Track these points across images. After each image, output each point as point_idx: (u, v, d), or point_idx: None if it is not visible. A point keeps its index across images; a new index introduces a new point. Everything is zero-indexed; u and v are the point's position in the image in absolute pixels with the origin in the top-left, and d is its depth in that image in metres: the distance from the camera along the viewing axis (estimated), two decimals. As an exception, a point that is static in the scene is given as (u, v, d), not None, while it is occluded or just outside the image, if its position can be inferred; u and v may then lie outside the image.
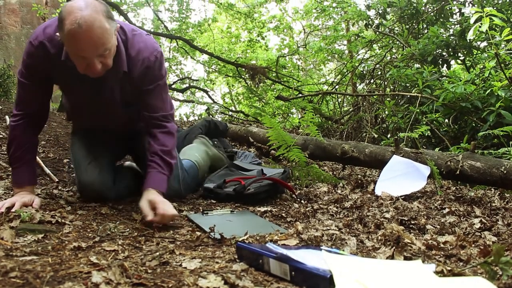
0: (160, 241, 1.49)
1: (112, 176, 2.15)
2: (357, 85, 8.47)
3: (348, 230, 1.71)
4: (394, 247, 1.37)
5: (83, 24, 1.60)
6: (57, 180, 2.38)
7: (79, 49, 1.65)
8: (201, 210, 2.03)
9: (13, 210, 1.70)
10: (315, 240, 1.48)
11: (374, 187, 2.62)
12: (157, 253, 1.32)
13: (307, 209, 2.08)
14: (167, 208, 1.72)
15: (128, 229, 1.63)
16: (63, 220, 1.65)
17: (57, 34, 1.71)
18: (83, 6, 1.63)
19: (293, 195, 2.43)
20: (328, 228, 1.70)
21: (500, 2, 5.98)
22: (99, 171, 2.08)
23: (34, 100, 1.96)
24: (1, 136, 3.09)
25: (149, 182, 1.88)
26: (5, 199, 1.88)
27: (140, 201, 1.79)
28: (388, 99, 5.99)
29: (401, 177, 2.57)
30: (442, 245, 1.49)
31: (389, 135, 5.62)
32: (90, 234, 1.53)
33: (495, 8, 5.34)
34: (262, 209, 2.10)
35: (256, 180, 2.36)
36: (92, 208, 1.92)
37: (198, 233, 1.59)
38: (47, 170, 2.47)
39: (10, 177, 2.25)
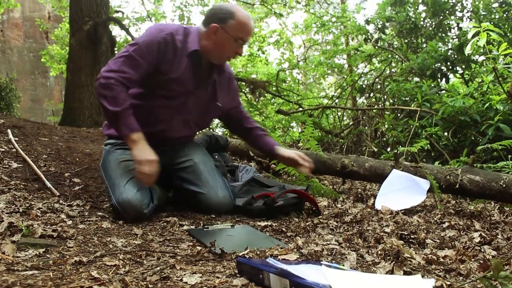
0: (161, 256, 1.49)
1: (149, 194, 2.17)
2: (357, 99, 8.51)
3: (348, 244, 1.72)
4: (394, 262, 1.38)
5: (249, 16, 2.30)
6: (58, 194, 2.39)
7: (248, 32, 2.28)
8: (202, 225, 2.03)
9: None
10: (315, 255, 1.48)
11: (374, 201, 2.62)
12: (158, 268, 1.32)
13: (307, 224, 2.08)
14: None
15: (129, 244, 1.64)
16: (64, 235, 1.66)
17: (214, 25, 2.23)
18: (241, 7, 2.36)
19: (316, 210, 2.42)
20: (328, 242, 1.71)
21: (497, 17, 6.04)
22: (137, 190, 2.10)
23: (134, 72, 2.16)
24: (2, 150, 3.11)
25: (273, 142, 2.56)
26: (7, 213, 1.88)
27: (286, 155, 2.47)
28: (387, 113, 6.02)
29: (401, 191, 2.58)
30: (441, 260, 1.49)
31: (389, 149, 5.63)
32: (91, 249, 1.54)
33: (492, 23, 5.40)
34: (263, 223, 2.11)
35: (283, 193, 2.36)
36: (93, 222, 1.93)
37: (199, 248, 1.60)
38: (49, 184, 2.48)
39: (11, 190, 2.26)
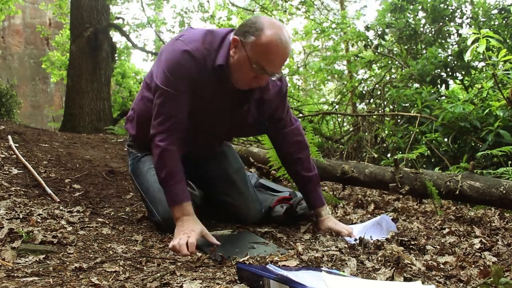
0: (161, 262, 1.49)
1: None
2: (357, 105, 8.53)
3: (348, 251, 1.71)
4: (394, 268, 1.38)
5: (285, 42, 1.76)
6: (58, 200, 2.39)
7: (271, 61, 1.78)
8: (202, 231, 2.03)
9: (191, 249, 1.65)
10: (315, 261, 1.48)
11: (374, 208, 2.62)
12: (158, 274, 1.32)
13: (307, 230, 2.08)
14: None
15: (129, 250, 1.64)
16: (64, 241, 1.66)
17: (235, 37, 1.81)
18: (283, 25, 1.80)
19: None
20: (328, 249, 1.70)
21: (496, 23, 6.07)
22: None
23: (182, 112, 1.89)
24: (3, 156, 3.11)
25: (319, 201, 2.16)
26: (7, 219, 1.89)
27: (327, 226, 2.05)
28: (387, 119, 6.03)
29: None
30: (442, 266, 1.49)
31: (389, 155, 5.64)
32: (91, 255, 1.54)
33: (491, 29, 5.42)
34: (263, 229, 2.11)
35: (300, 201, 2.30)
36: (94, 228, 1.93)
37: (199, 254, 1.60)
38: (49, 190, 2.48)
39: (11, 197, 2.26)
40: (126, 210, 2.38)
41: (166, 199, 1.87)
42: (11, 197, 2.28)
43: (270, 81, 1.96)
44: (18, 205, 2.14)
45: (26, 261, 1.41)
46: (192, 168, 2.19)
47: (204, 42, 1.86)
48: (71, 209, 2.25)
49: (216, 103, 1.99)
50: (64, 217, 2.07)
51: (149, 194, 2.07)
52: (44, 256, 1.47)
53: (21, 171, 2.85)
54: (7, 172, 2.80)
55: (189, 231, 1.73)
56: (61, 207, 2.28)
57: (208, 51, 1.86)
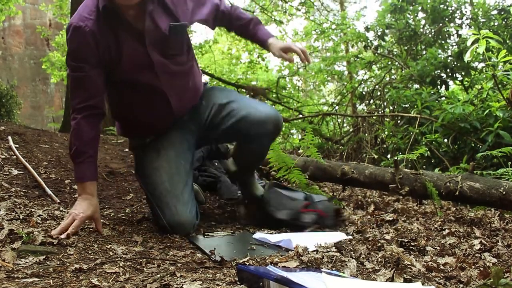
0: (161, 263, 1.49)
1: (196, 209, 2.09)
2: (357, 105, 8.54)
3: (348, 252, 1.71)
4: (394, 269, 1.38)
5: None
6: (58, 201, 2.39)
7: None
8: (202, 232, 2.03)
9: (71, 230, 1.74)
10: (315, 262, 1.48)
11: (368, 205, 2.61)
12: (158, 275, 1.32)
13: (307, 231, 2.08)
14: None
15: (129, 251, 1.64)
16: (64, 242, 1.66)
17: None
18: None
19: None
20: (328, 250, 1.70)
21: (496, 24, 6.07)
22: (189, 210, 2.03)
23: (95, 89, 1.94)
24: (3, 157, 3.11)
25: (266, 34, 2.25)
26: (7, 220, 1.89)
27: (276, 51, 2.18)
28: (387, 120, 6.03)
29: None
30: (442, 267, 1.49)
31: (389, 156, 5.64)
32: (91, 256, 1.54)
33: (491, 30, 5.42)
34: (264, 231, 2.11)
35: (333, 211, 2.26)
36: (93, 229, 1.93)
37: (199, 255, 1.60)
38: (49, 191, 2.48)
39: (11, 198, 2.26)
40: (126, 211, 2.39)
41: (74, 173, 1.98)
42: (11, 198, 2.28)
43: None
44: (18, 206, 2.14)
45: (26, 262, 1.41)
46: (197, 136, 2.22)
47: (81, 8, 1.89)
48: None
49: (137, 56, 1.95)
50: (64, 218, 2.06)
51: (155, 197, 2.07)
52: (44, 257, 1.47)
53: (21, 172, 2.85)
54: (7, 173, 2.80)
55: (78, 212, 1.82)
56: (61, 208, 2.28)
57: (88, 10, 1.87)
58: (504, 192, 2.42)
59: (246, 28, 2.29)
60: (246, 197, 2.48)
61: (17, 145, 3.54)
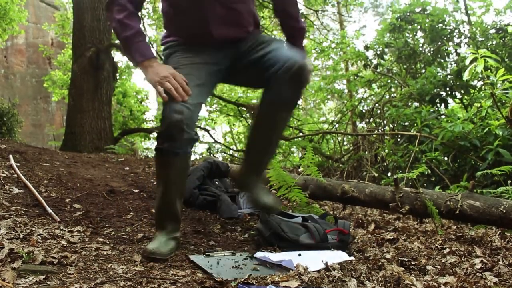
0: (162, 283, 1.49)
1: (196, 118, 1.96)
2: (357, 124, 8.56)
3: (348, 271, 1.71)
4: (394, 289, 1.38)
5: None
6: (59, 220, 2.39)
7: None
8: (203, 251, 2.03)
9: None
10: (316, 282, 1.48)
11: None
12: (159, 295, 1.32)
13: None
14: None
15: (129, 271, 1.63)
16: (64, 261, 1.66)
17: None
18: None
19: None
20: (329, 269, 1.70)
21: (494, 43, 6.14)
22: (189, 107, 1.87)
23: None
24: (4, 175, 3.12)
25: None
26: (8, 239, 1.89)
27: None
28: (387, 138, 6.04)
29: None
30: (442, 286, 1.49)
31: (389, 174, 5.64)
32: (91, 276, 1.54)
33: (489, 49, 5.48)
34: (266, 251, 2.11)
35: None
36: (95, 249, 1.92)
37: (200, 275, 1.59)
38: (49, 210, 2.48)
39: (12, 216, 2.27)
40: (127, 230, 2.38)
41: (133, 57, 1.95)
42: (12, 216, 2.28)
43: None
44: (18, 225, 2.14)
45: (26, 282, 1.41)
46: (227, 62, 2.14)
47: None
48: (71, 229, 2.25)
49: None
50: (64, 237, 2.06)
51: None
52: (44, 276, 1.47)
53: (22, 191, 2.86)
54: (8, 192, 2.81)
55: (170, 72, 1.87)
56: (61, 227, 2.28)
57: None
58: (504, 211, 2.42)
59: (292, 31, 2.31)
60: (258, 207, 2.36)
61: (18, 164, 3.55)
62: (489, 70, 4.65)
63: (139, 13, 2.04)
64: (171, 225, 2.01)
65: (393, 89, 7.81)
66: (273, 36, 2.39)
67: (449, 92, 6.11)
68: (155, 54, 1.97)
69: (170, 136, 1.87)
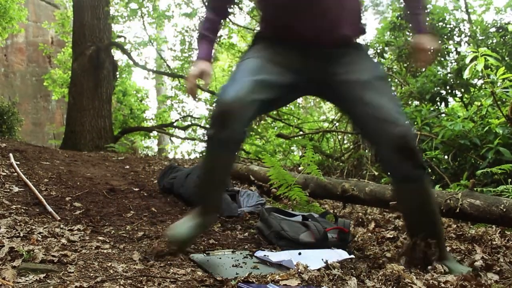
0: (162, 281, 1.49)
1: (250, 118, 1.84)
2: (357, 122, 8.53)
3: (348, 270, 1.71)
4: (394, 287, 1.38)
5: None
6: (59, 218, 2.39)
7: None
8: (203, 250, 2.03)
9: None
10: (316, 280, 1.48)
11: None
12: (159, 294, 1.32)
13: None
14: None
15: (129, 269, 1.63)
16: (65, 260, 1.66)
17: None
18: None
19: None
20: (329, 268, 1.70)
21: (494, 42, 6.13)
22: (244, 97, 1.76)
23: None
24: (4, 174, 3.12)
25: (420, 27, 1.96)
26: (8, 237, 1.89)
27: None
28: (387, 136, 6.02)
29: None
30: (443, 285, 1.49)
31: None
32: (91, 274, 1.54)
33: (489, 47, 5.48)
34: (265, 248, 2.11)
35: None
36: (95, 247, 1.92)
37: (200, 273, 1.59)
38: (49, 208, 2.49)
39: (12, 215, 2.27)
40: (127, 228, 2.38)
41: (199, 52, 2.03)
42: (12, 215, 2.29)
43: None
44: (18, 224, 2.14)
45: (26, 280, 1.41)
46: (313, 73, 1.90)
47: None
48: (71, 228, 2.25)
49: None
50: (64, 236, 2.06)
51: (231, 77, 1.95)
52: (44, 275, 1.47)
53: (22, 189, 2.86)
54: (8, 190, 2.81)
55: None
56: (61, 226, 2.28)
57: None
58: (504, 210, 2.41)
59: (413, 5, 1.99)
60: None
61: (18, 162, 3.55)
62: (489, 69, 4.65)
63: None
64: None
65: (393, 88, 7.80)
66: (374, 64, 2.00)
67: (449, 91, 6.10)
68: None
69: (219, 121, 1.77)
